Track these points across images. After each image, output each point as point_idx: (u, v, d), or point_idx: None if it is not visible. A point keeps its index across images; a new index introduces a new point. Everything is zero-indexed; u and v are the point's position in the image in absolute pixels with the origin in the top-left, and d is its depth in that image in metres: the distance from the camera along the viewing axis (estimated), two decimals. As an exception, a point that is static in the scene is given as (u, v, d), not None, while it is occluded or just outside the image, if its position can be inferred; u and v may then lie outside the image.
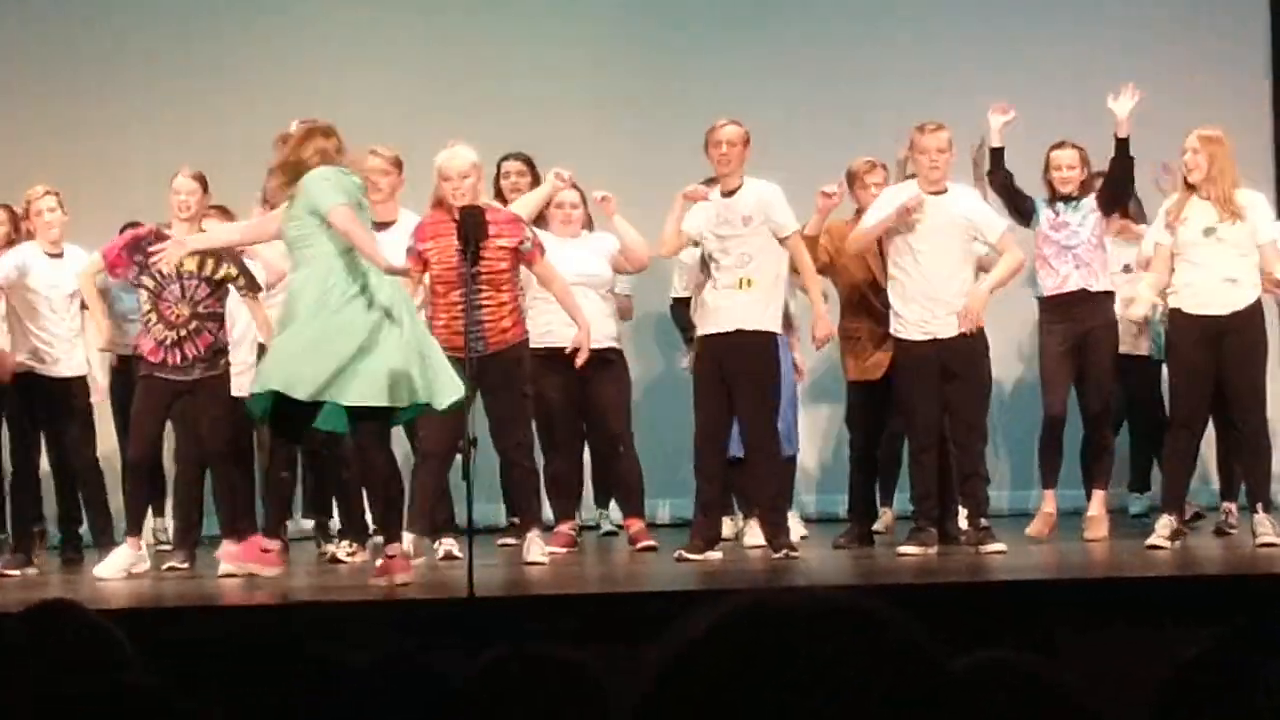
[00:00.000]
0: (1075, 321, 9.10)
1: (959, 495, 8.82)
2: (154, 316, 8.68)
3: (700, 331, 8.70)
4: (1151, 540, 8.47)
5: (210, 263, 8.71)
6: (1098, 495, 9.21)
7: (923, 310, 8.72)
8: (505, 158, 9.78)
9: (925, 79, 10.91)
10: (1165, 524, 8.52)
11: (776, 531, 8.57)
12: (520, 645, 3.09)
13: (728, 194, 8.68)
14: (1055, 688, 2.29)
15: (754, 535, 9.03)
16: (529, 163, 9.74)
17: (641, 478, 9.50)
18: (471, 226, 7.79)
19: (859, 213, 9.18)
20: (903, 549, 8.61)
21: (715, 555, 8.50)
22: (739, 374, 8.54)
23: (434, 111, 10.63)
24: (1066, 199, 9.16)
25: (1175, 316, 8.68)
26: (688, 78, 11.16)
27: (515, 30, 11.32)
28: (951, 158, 8.82)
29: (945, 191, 8.79)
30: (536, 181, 9.59)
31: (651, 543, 9.18)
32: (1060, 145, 9.24)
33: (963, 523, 8.81)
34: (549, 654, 3.05)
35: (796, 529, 9.27)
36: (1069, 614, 6.68)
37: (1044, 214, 9.16)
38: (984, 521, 8.69)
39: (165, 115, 11.14)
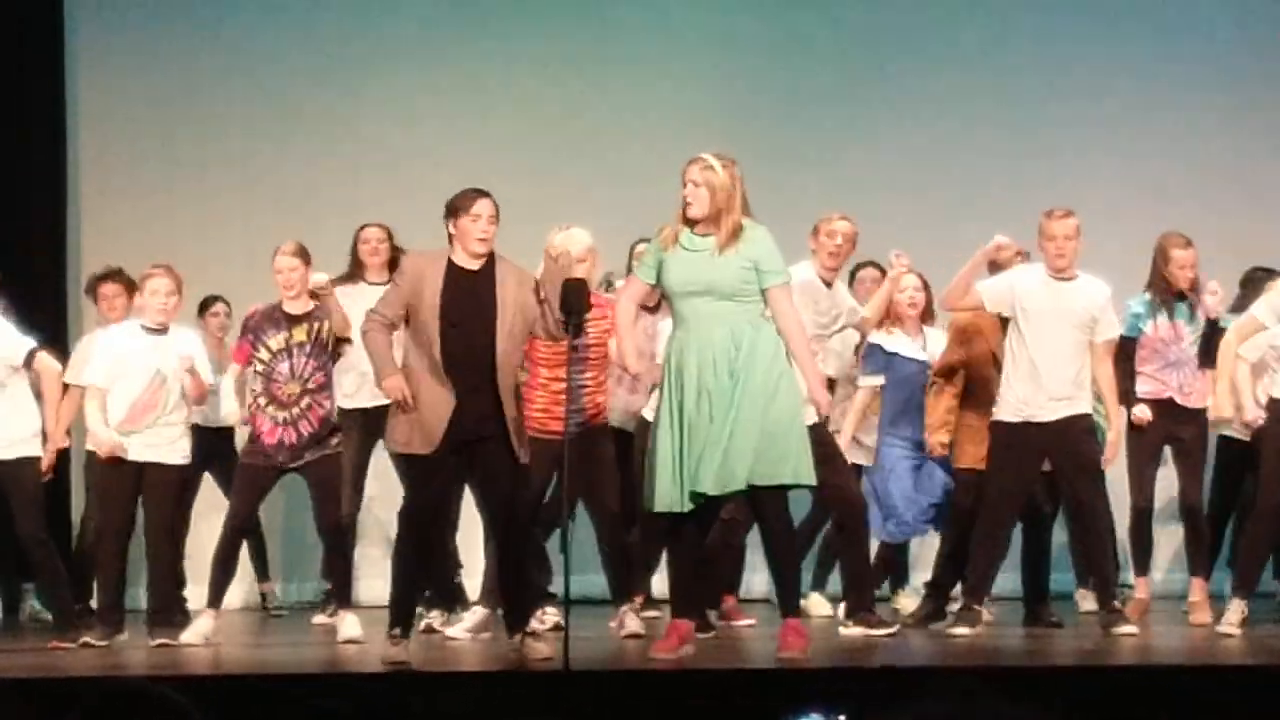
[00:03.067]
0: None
1: (1091, 576, 9.03)
2: (265, 398, 8.75)
3: None
4: (1223, 627, 8.53)
5: (317, 326, 8.79)
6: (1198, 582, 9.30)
7: (1026, 393, 8.60)
8: (364, 226, 10.03)
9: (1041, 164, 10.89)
10: (1237, 609, 8.60)
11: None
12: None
13: (829, 283, 8.76)
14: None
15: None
16: (388, 231, 9.96)
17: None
18: (575, 299, 7.58)
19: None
20: (953, 629, 8.63)
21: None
22: None
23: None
24: (1180, 296, 9.31)
25: (1273, 406, 8.70)
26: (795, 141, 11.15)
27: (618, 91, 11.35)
28: (1078, 245, 8.68)
29: (1074, 279, 8.70)
30: (395, 251, 9.74)
31: (749, 620, 9.19)
32: (1183, 242, 9.36)
33: (1092, 603, 9.05)
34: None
35: (822, 608, 9.49)
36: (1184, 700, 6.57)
37: (1156, 319, 9.27)
38: (1116, 604, 8.70)
39: (259, 187, 11.24)
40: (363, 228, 10.06)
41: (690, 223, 7.52)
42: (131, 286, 9.46)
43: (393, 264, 9.67)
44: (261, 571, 10.81)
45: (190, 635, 8.68)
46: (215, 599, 8.77)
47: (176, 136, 11.48)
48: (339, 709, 5.47)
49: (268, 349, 8.76)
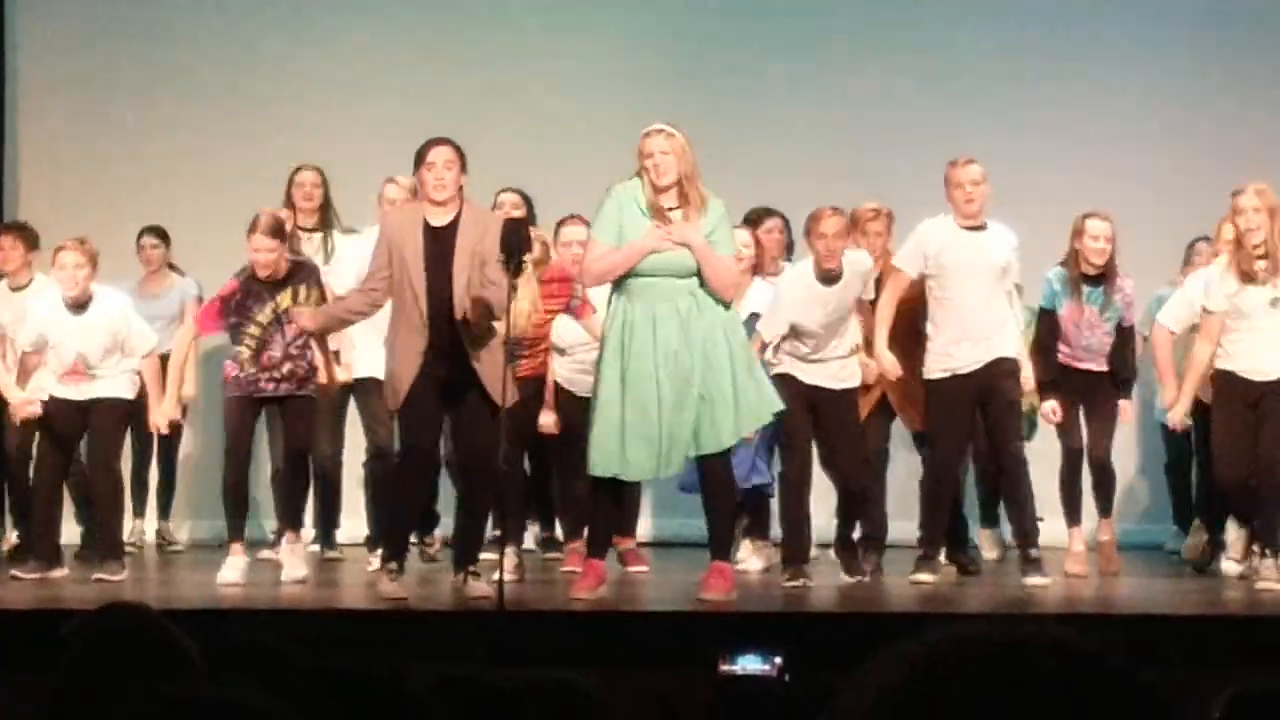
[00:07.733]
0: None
1: (1011, 523, 8.81)
2: (248, 360, 8.45)
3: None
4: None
5: (303, 290, 8.47)
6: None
7: (948, 344, 8.51)
8: (299, 168, 9.65)
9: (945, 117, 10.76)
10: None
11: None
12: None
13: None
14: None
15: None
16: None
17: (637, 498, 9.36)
18: (515, 238, 7.48)
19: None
20: (915, 577, 8.49)
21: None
22: None
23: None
24: (1094, 280, 8.95)
25: (1222, 378, 8.54)
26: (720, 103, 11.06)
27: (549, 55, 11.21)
28: (986, 190, 8.54)
29: (984, 228, 8.57)
30: (327, 198, 9.60)
31: (644, 568, 9.17)
32: (1093, 214, 8.95)
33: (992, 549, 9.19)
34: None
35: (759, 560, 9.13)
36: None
37: (1065, 301, 8.95)
38: (1033, 553, 8.50)
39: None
40: (297, 170, 9.67)
41: (655, 192, 7.58)
42: (34, 242, 9.33)
43: (323, 209, 9.58)
44: (165, 510, 10.48)
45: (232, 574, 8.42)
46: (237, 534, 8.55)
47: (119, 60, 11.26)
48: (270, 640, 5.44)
49: (258, 324, 8.44)
